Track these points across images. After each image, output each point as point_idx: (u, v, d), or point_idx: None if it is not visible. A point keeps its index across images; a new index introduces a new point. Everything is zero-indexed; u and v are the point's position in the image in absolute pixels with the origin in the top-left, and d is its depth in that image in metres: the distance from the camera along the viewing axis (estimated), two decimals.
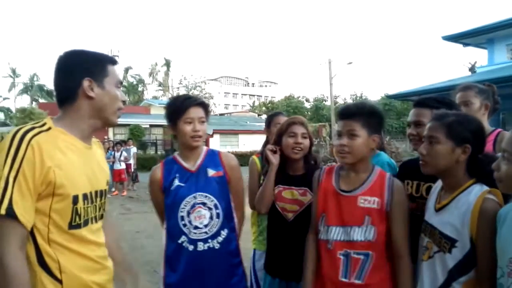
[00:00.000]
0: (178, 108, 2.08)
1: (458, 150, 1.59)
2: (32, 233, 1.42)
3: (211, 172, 2.14)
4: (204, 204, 2.08)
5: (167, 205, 2.11)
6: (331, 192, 1.88)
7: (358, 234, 1.77)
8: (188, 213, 2.06)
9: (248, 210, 2.97)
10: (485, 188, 1.54)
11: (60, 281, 1.46)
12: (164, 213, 2.17)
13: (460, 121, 1.61)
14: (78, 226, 1.52)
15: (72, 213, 1.49)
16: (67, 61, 1.57)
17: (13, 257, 1.34)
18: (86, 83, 1.54)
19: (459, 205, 1.56)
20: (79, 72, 1.54)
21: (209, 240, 2.07)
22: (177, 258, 2.08)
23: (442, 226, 1.60)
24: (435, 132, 1.63)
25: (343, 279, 1.77)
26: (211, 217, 2.08)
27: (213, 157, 2.20)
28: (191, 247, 2.05)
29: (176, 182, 2.10)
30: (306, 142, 2.29)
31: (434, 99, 2.07)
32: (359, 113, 1.81)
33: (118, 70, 1.67)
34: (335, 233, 1.82)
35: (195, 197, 2.08)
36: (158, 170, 2.17)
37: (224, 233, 2.11)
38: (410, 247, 1.80)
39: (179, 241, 2.07)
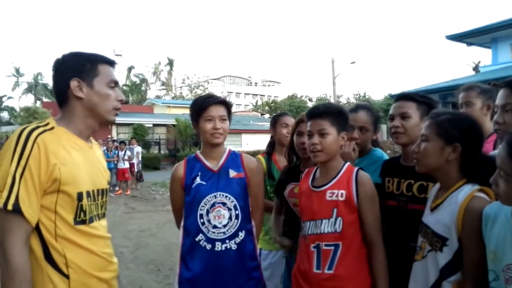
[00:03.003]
0: (199, 106, 2.12)
1: (448, 149, 1.58)
2: (38, 229, 1.45)
3: (232, 173, 2.16)
4: (224, 204, 2.10)
5: (187, 203, 2.13)
6: (307, 190, 1.98)
7: (326, 226, 1.83)
8: (208, 212, 2.08)
9: None
10: (476, 187, 1.54)
11: (67, 276, 1.48)
12: (182, 211, 2.18)
13: (451, 119, 1.60)
14: (84, 222, 1.55)
15: (77, 209, 1.52)
16: (59, 63, 1.61)
17: (17, 253, 1.37)
18: (73, 83, 1.57)
19: (450, 203, 1.56)
20: (68, 73, 1.57)
21: (227, 241, 2.07)
22: (193, 255, 2.10)
23: (434, 225, 1.61)
24: (426, 130, 1.64)
25: (316, 271, 1.83)
26: (230, 218, 2.09)
27: (235, 159, 2.22)
28: (208, 246, 2.06)
29: (198, 180, 2.12)
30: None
31: (416, 93, 2.07)
32: (328, 112, 1.90)
33: (112, 70, 1.68)
34: (308, 228, 1.90)
35: (215, 196, 2.09)
36: (180, 167, 2.19)
37: (241, 234, 2.12)
38: (383, 235, 1.87)
39: (196, 239, 2.08)
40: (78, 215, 1.52)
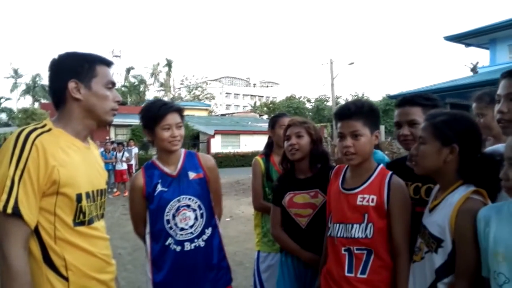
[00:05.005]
0: (155, 115, 2.11)
1: (445, 150, 1.56)
2: (37, 232, 1.44)
3: (192, 175, 2.21)
4: (188, 206, 2.16)
5: (152, 210, 2.16)
6: (336, 191, 1.91)
7: (357, 231, 1.78)
8: (174, 216, 2.13)
9: (251, 211, 2.99)
10: (471, 188, 1.52)
11: (66, 279, 1.47)
12: (143, 219, 2.22)
13: (447, 120, 1.58)
14: (83, 223, 1.54)
15: (77, 210, 1.52)
16: (56, 64, 1.60)
17: (17, 257, 1.36)
18: (71, 84, 1.55)
19: (446, 205, 1.55)
20: (66, 74, 1.56)
21: (195, 240, 2.15)
22: (163, 258, 2.14)
23: (431, 226, 1.60)
24: (423, 133, 1.62)
25: (349, 274, 1.78)
26: (196, 218, 2.16)
27: (192, 160, 2.27)
28: (178, 248, 2.12)
29: (159, 188, 2.16)
30: (302, 141, 2.26)
31: (421, 96, 2.00)
32: (359, 112, 1.80)
33: (110, 70, 1.67)
34: (338, 230, 1.84)
35: (179, 200, 2.15)
36: (139, 177, 2.21)
37: (208, 231, 2.21)
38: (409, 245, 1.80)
39: (166, 243, 2.13)
40: (77, 217, 1.52)
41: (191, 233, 2.14)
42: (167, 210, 2.12)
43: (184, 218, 2.13)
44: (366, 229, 1.77)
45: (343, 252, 1.81)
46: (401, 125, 1.98)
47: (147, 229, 2.19)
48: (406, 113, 1.96)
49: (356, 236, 1.78)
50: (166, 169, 2.20)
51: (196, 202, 2.17)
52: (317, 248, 2.09)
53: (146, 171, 2.21)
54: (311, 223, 2.20)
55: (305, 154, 2.26)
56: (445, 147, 1.57)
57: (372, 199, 1.78)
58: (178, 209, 2.13)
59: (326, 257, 1.96)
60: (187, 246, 2.12)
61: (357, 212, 1.79)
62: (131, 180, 2.27)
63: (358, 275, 1.77)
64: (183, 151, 2.27)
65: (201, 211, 2.18)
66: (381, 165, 1.90)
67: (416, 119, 1.90)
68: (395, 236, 1.76)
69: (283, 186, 2.34)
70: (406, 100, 1.99)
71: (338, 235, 1.84)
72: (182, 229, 2.13)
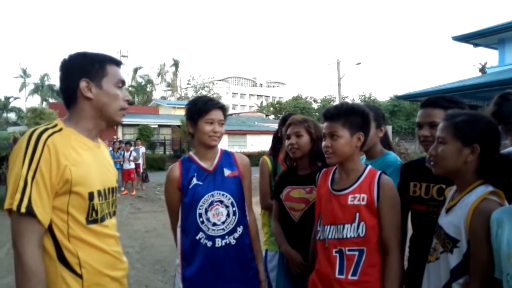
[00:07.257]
0: (200, 108, 2.16)
1: (466, 150, 1.55)
2: (51, 230, 1.47)
3: (227, 172, 2.23)
4: (221, 202, 2.17)
5: (185, 203, 2.18)
6: (326, 192, 1.94)
7: (349, 231, 1.80)
8: (206, 211, 2.14)
9: (258, 211, 3.00)
10: (490, 188, 1.51)
11: (80, 276, 1.50)
12: (178, 212, 2.22)
13: (468, 120, 1.57)
14: (95, 221, 1.57)
15: (89, 209, 1.54)
16: (67, 64, 1.62)
17: (32, 255, 1.38)
18: (83, 84, 1.58)
19: (463, 205, 1.54)
20: (77, 73, 1.58)
21: (226, 237, 2.15)
22: (194, 253, 2.15)
23: (447, 226, 1.59)
24: (443, 133, 1.60)
25: (339, 276, 1.79)
26: (228, 215, 2.17)
27: (228, 158, 2.30)
28: (209, 243, 2.12)
29: (194, 181, 2.17)
30: (301, 141, 2.32)
31: (444, 98, 2.02)
32: (338, 114, 1.87)
33: (119, 70, 1.69)
34: (329, 232, 1.86)
35: (213, 195, 2.16)
36: (176, 169, 2.23)
37: (240, 229, 2.20)
38: (401, 242, 1.85)
39: (197, 237, 2.14)
40: (90, 215, 1.54)
41: (223, 229, 2.15)
42: (200, 204, 2.14)
43: (217, 213, 2.14)
44: (358, 228, 1.79)
45: (334, 254, 1.83)
46: (422, 126, 2.01)
47: (179, 223, 2.21)
48: (427, 115, 1.99)
49: (348, 236, 1.80)
50: (203, 164, 2.22)
51: (229, 199, 2.18)
52: (307, 242, 2.17)
53: (183, 164, 2.24)
54: (303, 217, 2.27)
55: (304, 153, 2.33)
56: (466, 147, 1.55)
57: (363, 198, 1.81)
58: (211, 203, 2.15)
59: (314, 262, 2.00)
60: (218, 243, 2.13)
61: (349, 212, 1.82)
62: (167, 172, 2.28)
63: (349, 277, 1.78)
64: (219, 149, 2.31)
65: (234, 209, 2.19)
66: (370, 166, 1.93)
67: (436, 121, 1.89)
68: (385, 233, 1.79)
69: (283, 181, 2.43)
70: (429, 101, 2.02)
71: (329, 237, 1.85)
72: (214, 224, 2.13)
